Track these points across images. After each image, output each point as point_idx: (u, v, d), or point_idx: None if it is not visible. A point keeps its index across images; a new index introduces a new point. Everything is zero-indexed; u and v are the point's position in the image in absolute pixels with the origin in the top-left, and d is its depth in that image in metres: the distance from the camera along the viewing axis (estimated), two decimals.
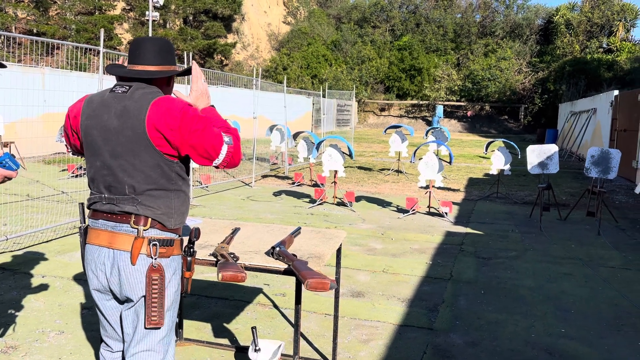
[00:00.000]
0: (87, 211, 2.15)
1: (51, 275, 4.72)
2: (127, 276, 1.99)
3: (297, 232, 3.02)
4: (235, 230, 3.00)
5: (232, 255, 2.53)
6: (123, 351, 2.20)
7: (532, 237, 6.79)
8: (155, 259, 1.99)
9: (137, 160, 1.97)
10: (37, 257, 5.25)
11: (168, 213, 2.04)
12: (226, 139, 1.99)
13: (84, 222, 2.15)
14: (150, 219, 2.01)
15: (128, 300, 2.05)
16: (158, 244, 2.00)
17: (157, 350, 2.09)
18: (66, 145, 2.28)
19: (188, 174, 2.14)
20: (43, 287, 4.41)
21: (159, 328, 2.05)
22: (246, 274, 2.31)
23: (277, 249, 2.56)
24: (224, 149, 1.98)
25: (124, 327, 2.10)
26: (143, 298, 2.02)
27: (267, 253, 2.64)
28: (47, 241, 5.83)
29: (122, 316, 2.10)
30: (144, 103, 1.97)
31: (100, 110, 2.02)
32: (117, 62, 2.20)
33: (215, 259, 2.53)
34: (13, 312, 3.89)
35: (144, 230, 1.99)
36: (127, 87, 2.03)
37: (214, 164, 2.01)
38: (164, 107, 1.96)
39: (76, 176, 10.31)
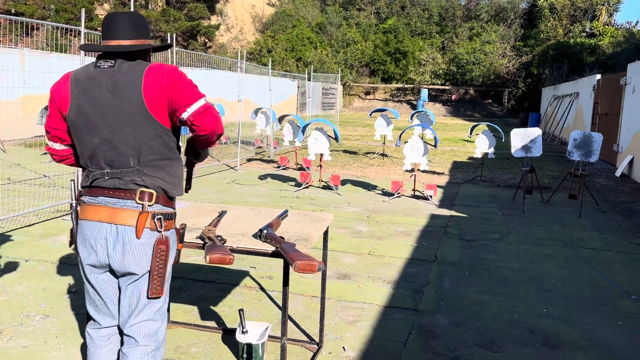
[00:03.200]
0: (81, 189, 2.16)
1: (34, 259, 4.67)
2: (133, 250, 2.03)
3: (284, 214, 3.02)
4: (222, 213, 2.99)
5: (219, 238, 2.52)
6: (116, 326, 2.23)
7: (515, 220, 6.88)
8: (161, 231, 2.06)
9: (139, 132, 2.00)
10: (19, 241, 5.19)
11: (173, 182, 2.11)
12: (206, 98, 2.07)
13: (75, 200, 2.15)
14: (155, 195, 2.05)
15: (129, 274, 2.08)
16: (162, 217, 2.06)
17: (155, 320, 2.15)
18: (47, 134, 2.20)
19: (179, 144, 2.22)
20: (26, 271, 4.37)
21: (159, 298, 2.12)
22: (234, 256, 2.31)
23: (265, 231, 2.56)
24: (201, 101, 2.01)
25: (122, 300, 2.13)
26: (147, 272, 2.07)
27: (254, 236, 2.64)
28: (29, 225, 5.76)
29: (121, 290, 2.13)
30: (136, 76, 1.99)
31: (90, 87, 2.02)
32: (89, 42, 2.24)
33: (202, 242, 2.52)
34: None
35: (149, 205, 2.04)
36: (113, 62, 2.03)
37: (187, 112, 1.99)
38: (156, 72, 2.01)
39: None
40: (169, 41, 8.32)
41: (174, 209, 2.17)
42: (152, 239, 2.05)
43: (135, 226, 2.02)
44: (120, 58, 2.04)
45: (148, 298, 2.09)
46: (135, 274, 2.07)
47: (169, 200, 2.12)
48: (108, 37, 2.07)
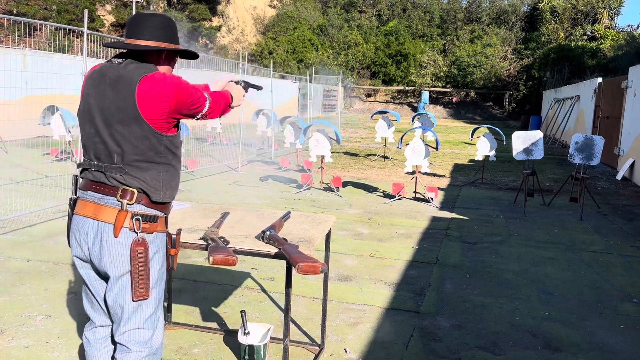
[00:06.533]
0: (79, 181, 2.18)
1: (36, 260, 4.67)
2: (109, 248, 2.03)
3: (286, 216, 3.02)
4: (224, 215, 2.99)
5: (222, 239, 2.53)
6: (107, 326, 2.24)
7: (516, 222, 6.88)
8: (138, 233, 2.04)
9: (127, 130, 2.02)
10: (21, 241, 5.19)
11: (156, 186, 2.08)
12: (208, 97, 2.18)
13: (75, 194, 2.17)
14: (136, 194, 2.05)
15: (107, 275, 2.08)
16: (141, 218, 2.05)
17: (145, 328, 2.14)
18: None
19: (179, 149, 2.18)
20: (28, 272, 4.38)
21: (146, 299, 2.09)
22: (237, 257, 2.31)
23: (268, 232, 2.57)
24: (206, 106, 2.17)
25: (110, 307, 2.13)
26: (126, 275, 2.06)
27: (257, 237, 2.64)
28: (31, 225, 5.77)
29: (105, 297, 2.13)
30: (135, 76, 2.02)
31: (99, 80, 2.08)
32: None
33: (205, 243, 2.53)
34: None
35: (129, 204, 2.04)
36: (122, 60, 2.10)
37: (196, 116, 2.18)
38: (155, 82, 2.02)
39: (59, 160, 10.18)
40: None
41: (163, 212, 2.14)
42: (130, 239, 2.04)
43: (113, 224, 2.03)
44: (132, 57, 2.10)
45: (133, 301, 2.07)
46: (110, 276, 2.06)
47: (155, 202, 2.10)
48: (127, 35, 2.15)
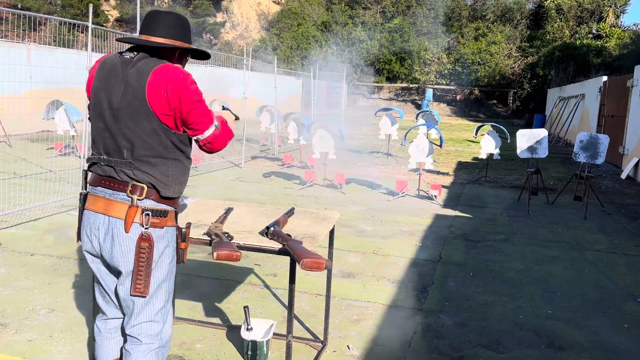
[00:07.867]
0: (88, 175, 2.18)
1: (40, 254, 4.68)
2: (120, 243, 2.03)
3: (290, 212, 3.02)
4: (228, 210, 2.99)
5: (226, 235, 2.52)
6: (119, 319, 2.26)
7: (520, 221, 6.86)
8: (146, 228, 2.03)
9: (136, 125, 2.01)
10: (25, 236, 5.20)
11: (165, 181, 2.08)
12: (216, 122, 2.13)
13: (85, 189, 2.17)
14: (146, 189, 2.04)
15: (118, 271, 2.08)
16: (151, 214, 2.04)
17: (156, 321, 2.15)
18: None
19: (189, 146, 2.17)
20: (32, 266, 4.38)
21: (144, 297, 2.09)
22: (241, 253, 2.31)
23: (272, 228, 2.56)
24: (211, 129, 2.11)
25: (122, 300, 2.14)
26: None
27: (261, 233, 2.64)
28: (35, 219, 5.78)
29: (117, 291, 2.14)
30: (146, 70, 2.01)
31: (110, 74, 2.07)
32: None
33: (209, 238, 2.52)
34: (2, 290, 3.86)
35: (139, 199, 2.03)
36: (135, 54, 2.08)
37: (197, 137, 2.12)
38: (166, 72, 2.01)
39: (63, 154, 10.19)
40: None
41: (173, 207, 2.14)
42: (139, 234, 2.04)
43: (124, 219, 2.02)
44: (145, 52, 2.09)
45: (131, 296, 2.07)
46: (121, 272, 2.07)
47: (164, 197, 2.09)
48: (141, 32, 2.15)
